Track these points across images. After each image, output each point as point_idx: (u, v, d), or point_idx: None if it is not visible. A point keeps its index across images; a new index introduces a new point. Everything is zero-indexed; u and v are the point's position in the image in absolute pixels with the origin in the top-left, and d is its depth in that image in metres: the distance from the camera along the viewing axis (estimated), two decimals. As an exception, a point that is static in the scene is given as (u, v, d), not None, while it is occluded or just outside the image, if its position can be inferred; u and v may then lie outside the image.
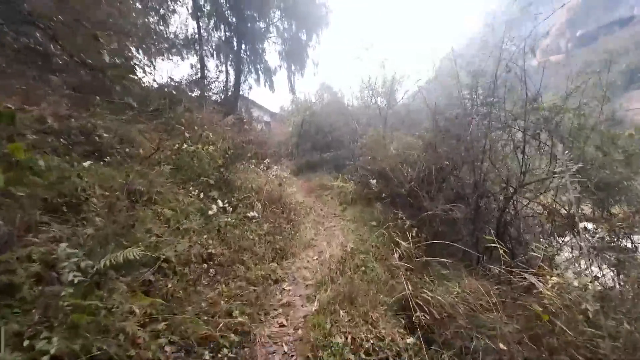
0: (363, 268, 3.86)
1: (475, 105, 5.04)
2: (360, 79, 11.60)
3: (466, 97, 5.38)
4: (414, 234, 3.64)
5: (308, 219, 6.63)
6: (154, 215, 4.35)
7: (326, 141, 13.98)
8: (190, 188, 5.44)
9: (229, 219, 4.77)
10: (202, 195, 5.38)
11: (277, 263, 4.66)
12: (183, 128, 6.21)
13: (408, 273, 3.41)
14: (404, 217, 4.23)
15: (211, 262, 4.02)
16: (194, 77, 15.27)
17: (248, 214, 5.01)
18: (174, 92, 10.84)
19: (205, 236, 4.38)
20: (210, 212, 4.45)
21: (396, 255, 3.69)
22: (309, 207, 7.44)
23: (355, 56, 10.70)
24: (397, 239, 4.01)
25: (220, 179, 6.42)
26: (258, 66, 16.87)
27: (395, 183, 4.68)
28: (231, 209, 5.52)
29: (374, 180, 6.06)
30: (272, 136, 19.70)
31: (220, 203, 4.65)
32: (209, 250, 4.09)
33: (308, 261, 4.76)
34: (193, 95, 14.83)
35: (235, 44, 15.77)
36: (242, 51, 16.18)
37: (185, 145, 6.02)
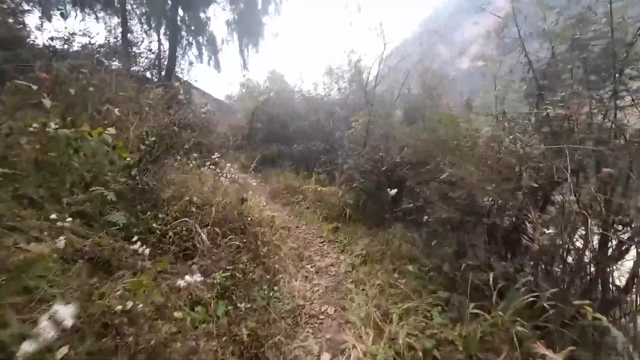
0: None
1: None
2: (330, 59, 9.07)
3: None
4: None
5: (286, 249, 4.02)
6: None
7: (287, 132, 11.26)
8: (53, 216, 2.48)
9: (134, 302, 2.00)
10: (80, 224, 2.52)
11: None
12: (40, 90, 3.09)
13: None
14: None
15: None
16: (113, 45, 11.38)
17: (178, 281, 2.24)
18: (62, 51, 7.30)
19: None
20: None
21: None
22: (283, 227, 4.80)
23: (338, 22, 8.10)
24: (536, 346, 1.66)
25: (133, 189, 3.51)
26: (200, 38, 13.35)
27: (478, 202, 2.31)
28: (148, 251, 2.71)
29: (394, 190, 3.64)
30: (219, 124, 16.38)
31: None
32: None
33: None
34: (113, 67, 10.98)
35: (169, 6, 12.07)
36: (178, 17, 12.53)
37: (53, 126, 2.97)
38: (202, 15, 13.03)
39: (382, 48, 7.06)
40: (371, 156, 4.26)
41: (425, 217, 3.06)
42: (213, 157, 5.77)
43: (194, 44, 13.78)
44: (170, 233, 3.46)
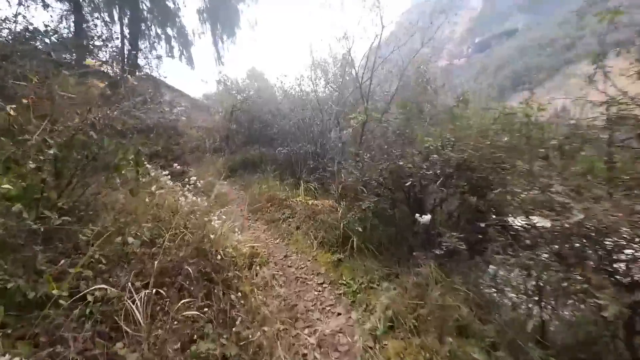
0: None
1: None
2: (315, 50, 7.80)
3: None
4: None
5: (272, 302, 2.76)
6: None
7: (269, 133, 9.97)
8: None
9: None
10: None
11: None
12: None
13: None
14: None
15: None
16: (64, 34, 9.67)
17: None
18: None
19: None
20: None
21: None
22: (265, 261, 3.53)
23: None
24: None
25: (33, 233, 2.20)
26: (169, 30, 11.75)
27: None
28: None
29: (427, 217, 2.46)
30: (194, 125, 14.84)
31: None
32: None
33: None
34: (62, 59, 9.28)
35: (131, -8, 10.44)
36: (145, 7, 10.90)
37: None
38: (170, 4, 11.44)
39: (380, 30, 5.89)
40: (387, 165, 3.05)
41: (492, 268, 1.90)
42: (174, 166, 4.45)
43: (163, 36, 12.17)
44: (90, 298, 2.16)
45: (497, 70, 64.10)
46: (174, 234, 3.32)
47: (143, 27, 11.01)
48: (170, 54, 12.55)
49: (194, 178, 3.93)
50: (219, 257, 3.04)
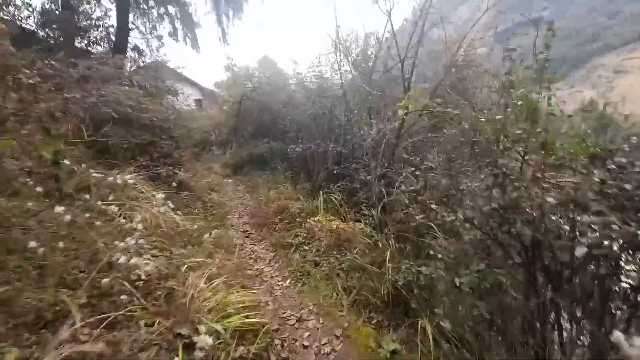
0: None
1: None
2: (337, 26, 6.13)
3: None
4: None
5: None
6: None
7: (280, 125, 8.49)
8: None
9: None
10: None
11: None
12: None
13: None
14: None
15: None
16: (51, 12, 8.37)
17: None
18: None
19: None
20: None
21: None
22: (267, 344, 2.10)
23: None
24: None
25: None
26: (170, 8, 10.28)
27: None
28: None
29: None
30: (202, 118, 13.56)
31: None
32: None
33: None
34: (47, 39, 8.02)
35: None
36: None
37: None
38: (171, -22, 9.94)
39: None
40: (505, 201, 1.45)
41: None
42: (138, 175, 3.03)
43: (166, 17, 10.73)
44: None
45: (520, 60, 60.54)
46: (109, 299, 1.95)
47: (142, 2, 9.59)
48: (174, 37, 11.13)
49: (160, 200, 2.50)
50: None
